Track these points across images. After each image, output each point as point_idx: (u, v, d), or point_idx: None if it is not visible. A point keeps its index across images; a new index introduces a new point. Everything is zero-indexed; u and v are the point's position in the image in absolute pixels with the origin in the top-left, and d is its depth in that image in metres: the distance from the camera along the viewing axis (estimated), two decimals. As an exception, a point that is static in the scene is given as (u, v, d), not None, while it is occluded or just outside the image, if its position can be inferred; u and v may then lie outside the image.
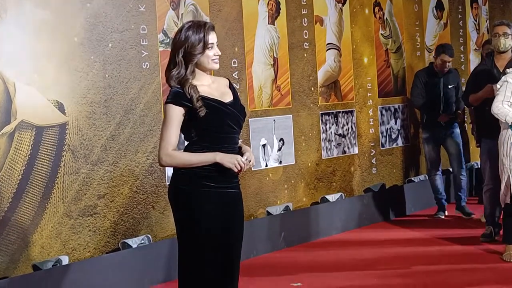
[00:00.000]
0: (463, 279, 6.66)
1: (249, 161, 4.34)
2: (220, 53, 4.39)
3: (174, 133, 4.28)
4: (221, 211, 4.32)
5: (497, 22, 8.06)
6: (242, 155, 4.35)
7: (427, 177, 9.71)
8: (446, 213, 9.55)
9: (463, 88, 9.23)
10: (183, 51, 4.29)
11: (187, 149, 4.36)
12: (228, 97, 4.38)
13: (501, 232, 8.07)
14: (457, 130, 9.47)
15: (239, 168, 4.28)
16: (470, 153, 11.00)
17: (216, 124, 4.31)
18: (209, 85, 4.36)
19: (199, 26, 4.33)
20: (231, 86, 4.46)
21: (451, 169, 9.71)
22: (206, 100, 4.28)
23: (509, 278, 6.63)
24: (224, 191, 4.33)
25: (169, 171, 6.53)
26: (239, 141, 4.50)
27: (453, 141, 9.42)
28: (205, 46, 4.31)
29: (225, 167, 4.27)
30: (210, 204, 4.29)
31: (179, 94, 4.26)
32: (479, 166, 8.75)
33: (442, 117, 9.30)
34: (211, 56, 4.33)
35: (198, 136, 4.32)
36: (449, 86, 9.36)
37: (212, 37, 4.34)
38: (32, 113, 6.12)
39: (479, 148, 8.36)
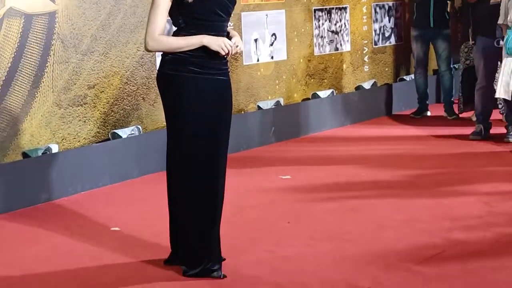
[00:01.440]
0: (453, 177, 6.71)
1: (237, 46, 4.31)
2: None
3: (161, 18, 4.24)
4: (208, 98, 4.30)
5: None
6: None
7: (413, 75, 9.73)
8: (429, 113, 9.57)
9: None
10: None
11: (174, 36, 4.33)
12: (217, -16, 4.32)
13: (491, 131, 8.14)
14: (447, 31, 9.40)
15: (226, 51, 4.25)
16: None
17: (203, 12, 4.26)
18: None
19: None
20: (222, -28, 4.38)
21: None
22: (194, -13, 4.22)
23: (496, 176, 6.70)
24: (211, 78, 4.31)
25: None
26: (230, 28, 4.46)
27: (442, 41, 9.37)
28: None
29: (212, 52, 4.24)
30: (196, 90, 4.28)
31: (168, -21, 4.20)
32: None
33: None
34: None
35: (186, 23, 4.28)
36: None
37: None
38: (21, 0, 6.03)
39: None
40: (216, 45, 4.23)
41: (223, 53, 4.26)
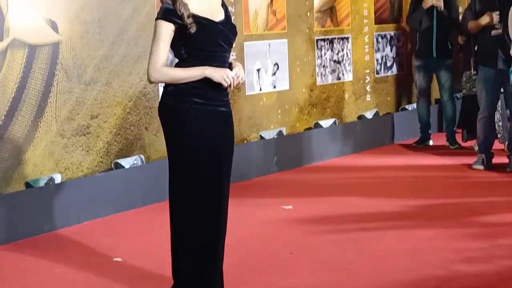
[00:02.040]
0: (455, 207, 6.70)
1: (238, 76, 4.32)
2: None
3: (163, 49, 4.26)
4: (210, 129, 4.29)
5: None
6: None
7: (416, 105, 9.76)
8: (431, 143, 9.59)
9: (460, 17, 9.20)
10: (174, -35, 4.25)
11: (177, 67, 4.35)
12: (219, 16, 4.34)
13: (493, 161, 8.14)
14: (450, 61, 9.43)
15: (229, 82, 4.27)
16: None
17: (206, 43, 4.28)
18: (201, 3, 4.31)
19: None
20: (223, 5, 4.42)
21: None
22: (196, 18, 4.25)
23: (499, 207, 6.69)
24: (214, 110, 4.32)
25: (163, 93, 6.52)
26: (232, 58, 4.48)
27: (445, 72, 9.41)
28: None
29: (214, 83, 4.26)
30: (198, 121, 4.27)
31: (169, 11, 4.22)
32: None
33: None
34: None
35: (188, 54, 4.29)
36: (443, 15, 9.24)
37: None
38: (25, 31, 6.08)
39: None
40: (219, 76, 4.25)
41: (226, 85, 4.27)
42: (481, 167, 8.07)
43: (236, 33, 4.42)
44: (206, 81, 4.26)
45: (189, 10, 4.21)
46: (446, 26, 9.28)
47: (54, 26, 6.28)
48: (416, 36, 9.50)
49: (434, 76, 9.54)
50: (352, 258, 5.35)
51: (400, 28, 10.14)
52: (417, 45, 9.49)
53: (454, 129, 9.49)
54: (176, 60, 4.39)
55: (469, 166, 8.17)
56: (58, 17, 6.30)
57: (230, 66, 4.37)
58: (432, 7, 9.21)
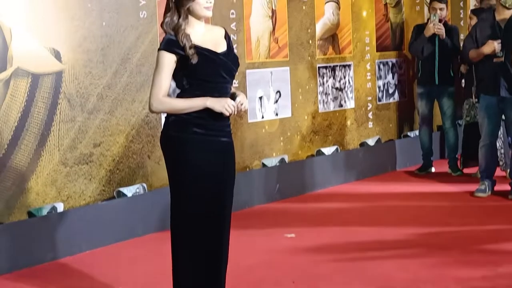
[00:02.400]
0: (457, 235, 6.69)
1: (242, 104, 4.33)
2: (212, 1, 4.37)
3: (165, 79, 4.29)
4: (211, 159, 4.32)
5: None
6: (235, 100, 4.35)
7: (418, 132, 9.77)
8: (433, 170, 9.59)
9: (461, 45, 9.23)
10: (176, -3, 4.29)
11: (179, 97, 4.37)
12: (221, 47, 4.37)
13: (495, 188, 8.13)
14: (452, 88, 9.45)
15: (230, 112, 4.28)
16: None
17: (207, 73, 4.31)
18: (203, 34, 4.35)
19: (192, -28, 4.31)
20: (226, 36, 4.45)
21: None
22: (198, 49, 4.27)
23: (501, 235, 6.68)
24: (215, 140, 4.34)
25: (165, 121, 6.53)
26: (235, 86, 4.50)
27: (447, 99, 9.42)
28: (197, -8, 4.30)
29: (216, 113, 4.28)
30: (200, 151, 4.30)
31: (172, 42, 4.26)
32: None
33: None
34: (204, 3, 4.31)
35: (190, 85, 4.32)
36: (445, 43, 9.27)
37: None
38: (28, 60, 6.11)
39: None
40: (220, 106, 4.27)
41: (227, 114, 4.29)
42: (484, 195, 8.06)
43: (238, 64, 4.45)
44: (208, 112, 4.28)
45: (191, 41, 4.25)
46: (448, 54, 9.31)
47: (57, 55, 6.31)
48: (418, 63, 9.53)
49: (436, 103, 9.56)
50: (355, 287, 5.33)
51: (402, 55, 10.18)
52: (419, 73, 9.51)
53: (457, 156, 9.49)
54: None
55: (471, 193, 8.17)
56: (61, 46, 6.33)
57: (233, 96, 4.39)
58: (434, 34, 9.24)
